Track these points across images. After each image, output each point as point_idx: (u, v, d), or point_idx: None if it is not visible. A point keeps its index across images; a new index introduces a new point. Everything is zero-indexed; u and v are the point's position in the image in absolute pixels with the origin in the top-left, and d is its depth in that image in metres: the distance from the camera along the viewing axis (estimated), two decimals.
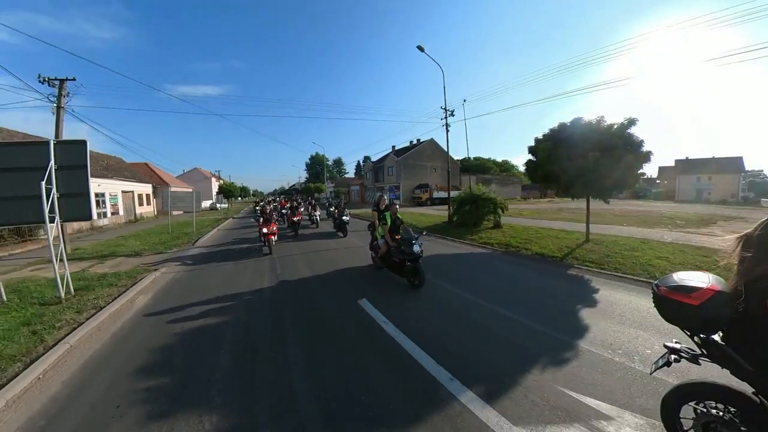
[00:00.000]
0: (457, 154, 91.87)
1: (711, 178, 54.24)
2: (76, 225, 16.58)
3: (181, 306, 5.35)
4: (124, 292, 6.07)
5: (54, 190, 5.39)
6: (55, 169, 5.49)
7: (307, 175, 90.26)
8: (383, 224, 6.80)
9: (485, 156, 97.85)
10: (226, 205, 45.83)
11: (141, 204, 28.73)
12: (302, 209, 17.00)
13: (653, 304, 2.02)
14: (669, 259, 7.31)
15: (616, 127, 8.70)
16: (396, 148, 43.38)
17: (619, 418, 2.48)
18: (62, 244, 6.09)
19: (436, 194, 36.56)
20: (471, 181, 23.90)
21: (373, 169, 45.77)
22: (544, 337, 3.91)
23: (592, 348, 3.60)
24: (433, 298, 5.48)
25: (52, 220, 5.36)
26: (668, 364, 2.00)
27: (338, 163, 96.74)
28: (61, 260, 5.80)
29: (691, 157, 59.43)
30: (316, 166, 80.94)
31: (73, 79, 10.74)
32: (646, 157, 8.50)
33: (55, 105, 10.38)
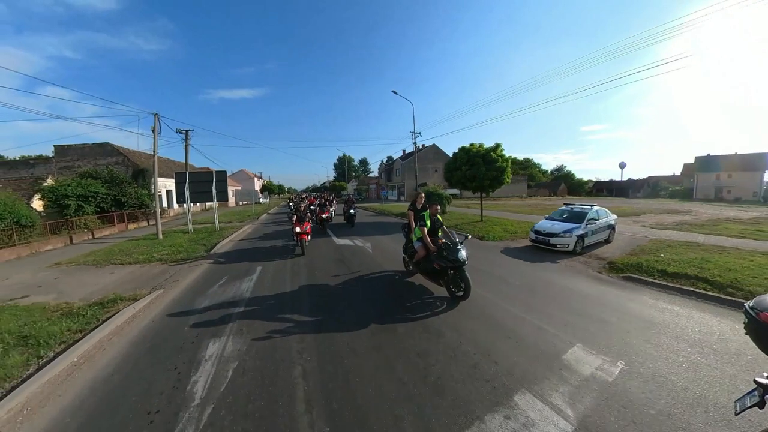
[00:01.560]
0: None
1: (731, 175, 51.50)
2: (193, 207, 25.83)
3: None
4: (235, 232, 14.33)
5: (214, 188, 13.68)
6: (214, 182, 13.83)
7: (335, 174, 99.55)
8: (421, 226, 5.94)
9: (507, 155, 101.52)
10: (267, 200, 56.61)
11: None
12: (331, 207, 17.75)
13: (746, 332, 1.73)
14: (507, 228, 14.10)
15: (482, 150, 15.50)
16: (405, 151, 50.61)
17: None
18: (216, 214, 14.47)
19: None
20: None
21: (385, 170, 53.37)
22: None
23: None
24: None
25: (212, 200, 13.69)
26: (762, 404, 1.59)
27: (363, 163, 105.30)
28: (194, 222, 14.14)
29: (713, 153, 56.37)
30: (342, 166, 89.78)
31: (192, 129, 19.32)
32: (500, 169, 15.14)
33: (184, 144, 19.08)
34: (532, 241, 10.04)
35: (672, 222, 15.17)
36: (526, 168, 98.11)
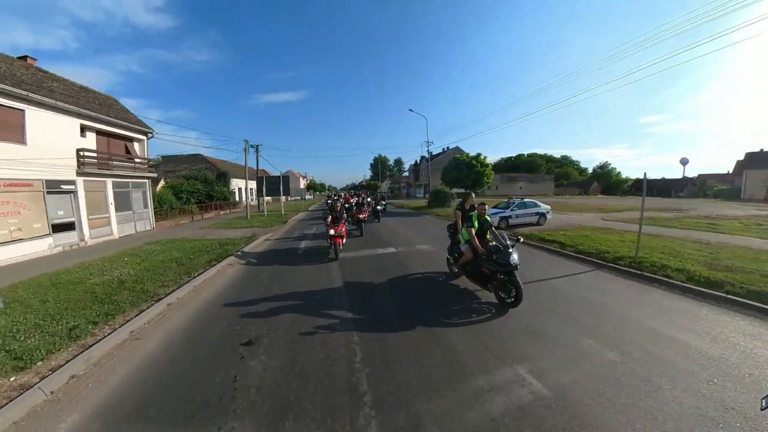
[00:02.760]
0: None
1: None
2: (253, 201, 33.84)
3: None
4: (295, 214, 21.12)
5: (281, 187, 20.62)
6: (281, 183, 20.77)
7: (371, 174, 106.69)
8: (468, 227, 5.64)
9: (543, 151, 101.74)
10: (311, 196, 65.53)
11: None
12: (368, 207, 16.73)
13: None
14: None
15: (467, 158, 20.77)
16: (432, 153, 55.73)
17: None
18: (282, 204, 21.47)
19: (456, 190, 48.15)
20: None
21: (413, 170, 58.79)
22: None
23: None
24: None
25: (281, 194, 20.61)
26: None
27: (398, 162, 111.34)
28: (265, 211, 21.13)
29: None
30: (378, 165, 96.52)
31: (260, 145, 26.71)
32: (479, 172, 20.35)
33: (255, 155, 26.59)
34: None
35: (633, 217, 16.23)
36: (561, 166, 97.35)
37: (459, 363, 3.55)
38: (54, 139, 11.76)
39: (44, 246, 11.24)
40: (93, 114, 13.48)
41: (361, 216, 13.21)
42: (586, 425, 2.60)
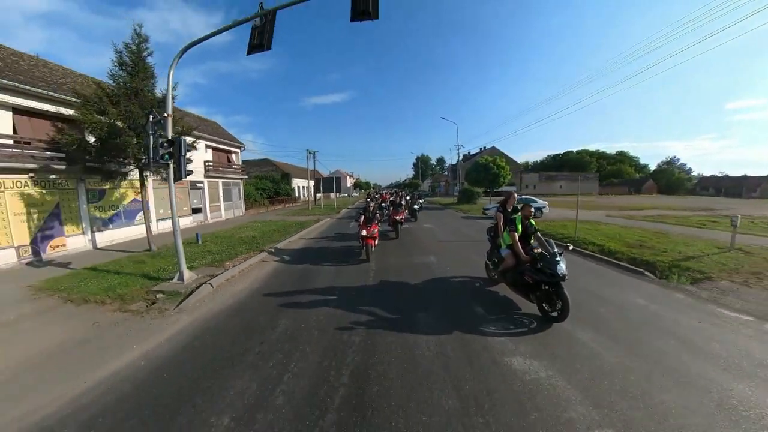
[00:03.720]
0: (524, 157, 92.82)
1: None
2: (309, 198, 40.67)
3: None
4: (344, 208, 26.75)
5: (333, 186, 26.36)
6: (333, 183, 26.52)
7: (413, 172, 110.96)
8: (511, 231, 5.15)
9: (600, 147, 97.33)
10: (357, 194, 72.32)
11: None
12: (405, 207, 15.85)
13: None
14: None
15: (485, 161, 24.50)
16: (470, 153, 58.58)
17: None
18: (335, 199, 27.25)
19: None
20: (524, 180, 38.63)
21: (452, 169, 61.88)
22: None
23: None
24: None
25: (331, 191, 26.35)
26: None
27: (441, 161, 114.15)
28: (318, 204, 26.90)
29: None
30: (420, 165, 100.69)
31: (317, 151, 32.82)
32: (494, 174, 24.00)
33: (312, 160, 32.82)
34: (482, 212, 19.32)
35: (640, 215, 18.87)
36: (615, 163, 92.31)
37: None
38: (198, 156, 18.41)
39: (187, 221, 17.82)
40: (214, 138, 20.12)
41: (397, 217, 12.15)
42: None
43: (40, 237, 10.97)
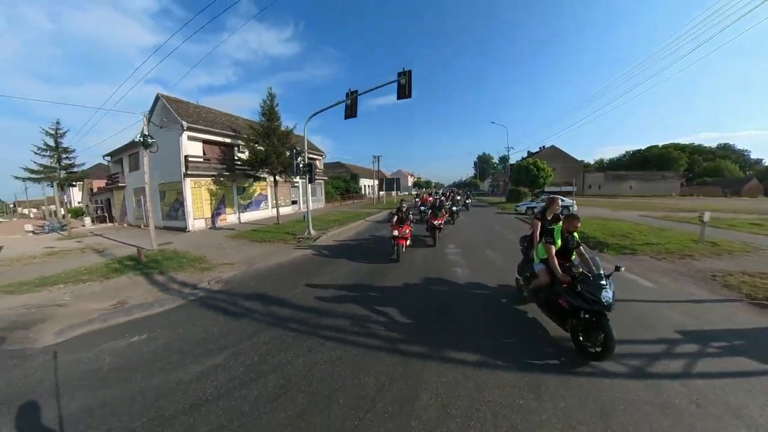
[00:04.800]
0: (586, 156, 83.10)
1: None
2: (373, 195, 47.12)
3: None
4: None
5: (394, 185, 31.80)
6: (394, 183, 31.99)
7: (474, 171, 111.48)
8: (548, 243, 4.11)
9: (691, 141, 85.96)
10: (416, 191, 77.46)
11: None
12: (445, 211, 13.65)
13: None
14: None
15: (525, 164, 27.42)
16: (530, 152, 58.97)
17: None
18: (395, 196, 32.82)
19: (547, 188, 50.58)
20: (586, 180, 40.02)
21: (509, 169, 62.83)
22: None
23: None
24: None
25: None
26: None
27: (504, 159, 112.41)
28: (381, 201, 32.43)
29: None
30: (480, 164, 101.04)
31: (380, 156, 38.65)
32: (533, 175, 26.84)
33: (377, 162, 38.81)
34: (515, 209, 22.67)
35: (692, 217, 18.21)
36: (714, 158, 79.80)
37: None
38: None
39: (289, 209, 24.92)
40: (309, 151, 27.13)
41: (435, 222, 10.69)
42: None
43: (215, 213, 18.42)
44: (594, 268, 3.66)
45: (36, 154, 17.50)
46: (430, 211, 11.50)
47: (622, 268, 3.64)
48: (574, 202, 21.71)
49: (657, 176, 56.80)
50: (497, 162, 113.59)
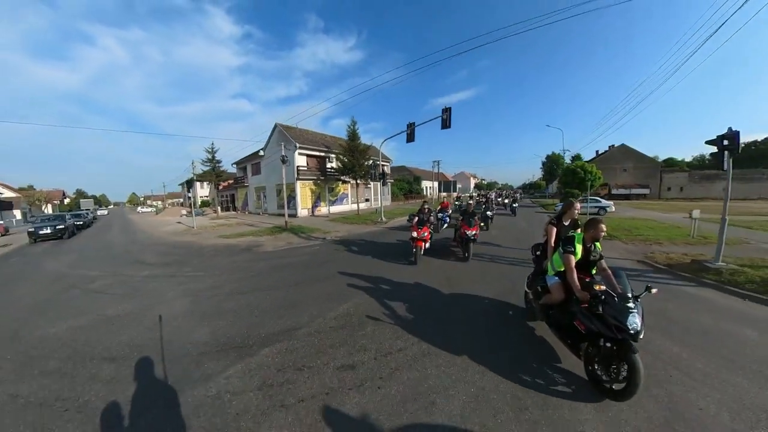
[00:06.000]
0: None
1: None
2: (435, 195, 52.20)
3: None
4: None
5: (451, 187, 36.61)
6: (451, 185, 36.79)
7: (542, 173, 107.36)
8: (566, 252, 3.45)
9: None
10: (476, 193, 79.98)
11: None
12: (480, 220, 11.62)
13: None
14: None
15: (572, 167, 29.56)
16: (599, 152, 57.20)
17: None
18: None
19: (614, 191, 48.85)
20: (664, 181, 40.02)
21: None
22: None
23: None
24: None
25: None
26: None
27: (577, 158, 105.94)
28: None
29: None
30: (552, 164, 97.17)
31: (440, 160, 43.48)
32: (580, 178, 28.87)
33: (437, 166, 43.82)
34: (554, 209, 25.50)
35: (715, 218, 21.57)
36: None
37: None
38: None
39: (363, 206, 31.41)
40: (383, 161, 33.75)
41: (469, 232, 8.82)
42: None
43: (313, 206, 25.77)
44: (619, 287, 3.03)
45: (201, 163, 27.73)
46: (461, 219, 9.36)
47: (654, 290, 2.94)
48: (612, 203, 23.69)
49: (755, 175, 45.32)
50: (569, 162, 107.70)
